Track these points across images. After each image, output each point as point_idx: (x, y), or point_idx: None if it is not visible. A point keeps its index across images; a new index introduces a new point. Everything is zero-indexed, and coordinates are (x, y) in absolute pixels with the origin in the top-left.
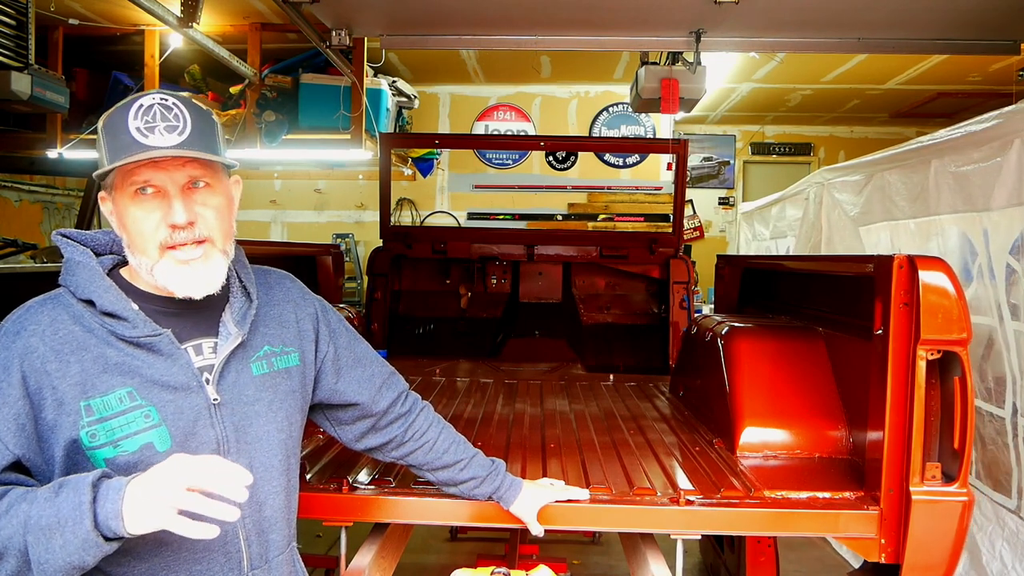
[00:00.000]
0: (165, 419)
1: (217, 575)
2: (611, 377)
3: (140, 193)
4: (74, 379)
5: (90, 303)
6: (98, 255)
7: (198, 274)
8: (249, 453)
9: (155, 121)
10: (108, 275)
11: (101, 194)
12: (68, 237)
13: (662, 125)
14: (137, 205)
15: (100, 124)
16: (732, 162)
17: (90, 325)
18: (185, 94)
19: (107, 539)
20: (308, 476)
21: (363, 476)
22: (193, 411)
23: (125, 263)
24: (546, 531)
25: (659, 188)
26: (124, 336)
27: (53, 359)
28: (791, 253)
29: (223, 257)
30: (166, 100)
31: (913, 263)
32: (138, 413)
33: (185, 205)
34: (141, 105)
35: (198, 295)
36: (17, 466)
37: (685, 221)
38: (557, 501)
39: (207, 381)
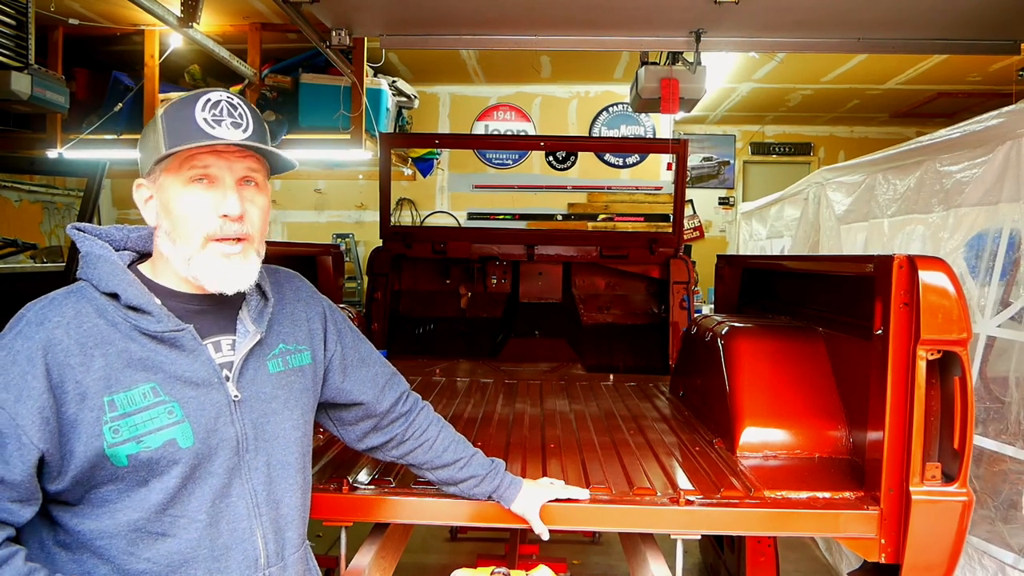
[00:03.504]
0: (188, 415)
1: (234, 573)
2: (611, 377)
3: (194, 180)
4: (98, 373)
5: (113, 297)
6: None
7: (236, 269)
8: (267, 451)
9: (222, 116)
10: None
11: (139, 181)
12: (84, 231)
13: (662, 125)
14: (190, 191)
15: (160, 112)
16: (732, 162)
17: (114, 319)
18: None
19: None
20: (312, 472)
21: (363, 476)
22: (215, 408)
23: (141, 259)
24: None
25: (659, 188)
26: (147, 331)
27: (77, 352)
28: (786, 253)
29: (257, 257)
30: (232, 99)
31: (913, 263)
32: (161, 409)
33: (239, 198)
34: (209, 99)
35: (230, 291)
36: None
37: (685, 221)
38: (557, 500)
39: (227, 378)
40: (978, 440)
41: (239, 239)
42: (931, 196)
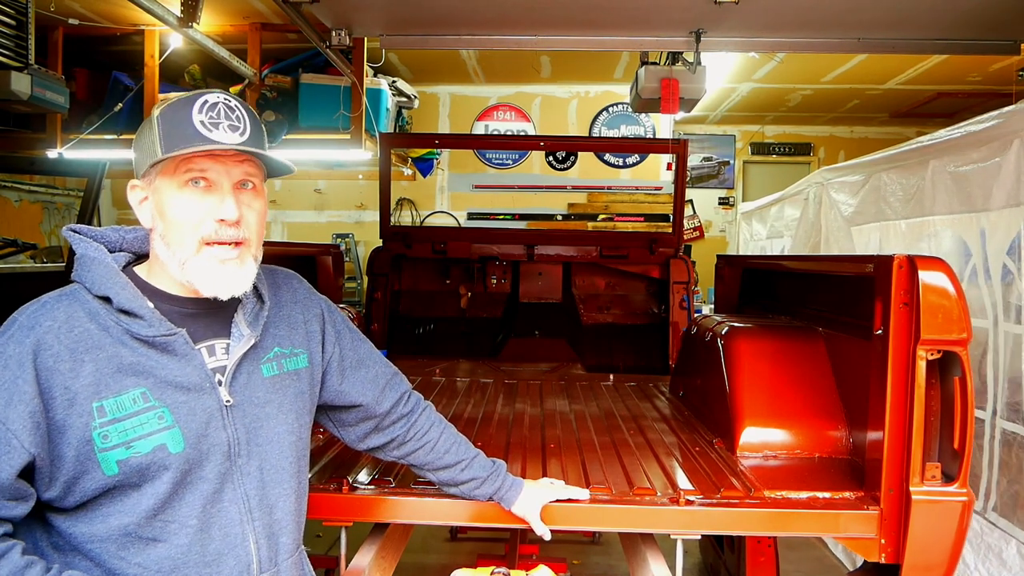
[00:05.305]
0: (178, 420)
1: None
2: (611, 377)
3: (191, 184)
4: (88, 379)
5: (106, 300)
6: (109, 252)
7: (231, 275)
8: (260, 455)
9: (219, 118)
10: (122, 272)
11: (133, 182)
12: (79, 233)
13: (662, 125)
14: (185, 195)
15: (156, 113)
16: (732, 162)
17: (105, 323)
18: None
19: None
20: (308, 476)
21: (363, 476)
22: (206, 413)
23: (137, 261)
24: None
25: (659, 188)
26: (139, 335)
27: (67, 357)
28: (786, 253)
29: (254, 262)
30: (229, 101)
31: (913, 263)
32: (152, 414)
33: (236, 202)
34: (206, 101)
35: (224, 296)
36: (26, 469)
37: (685, 221)
38: (557, 501)
39: (220, 383)
40: None
41: (236, 243)
42: (949, 197)
